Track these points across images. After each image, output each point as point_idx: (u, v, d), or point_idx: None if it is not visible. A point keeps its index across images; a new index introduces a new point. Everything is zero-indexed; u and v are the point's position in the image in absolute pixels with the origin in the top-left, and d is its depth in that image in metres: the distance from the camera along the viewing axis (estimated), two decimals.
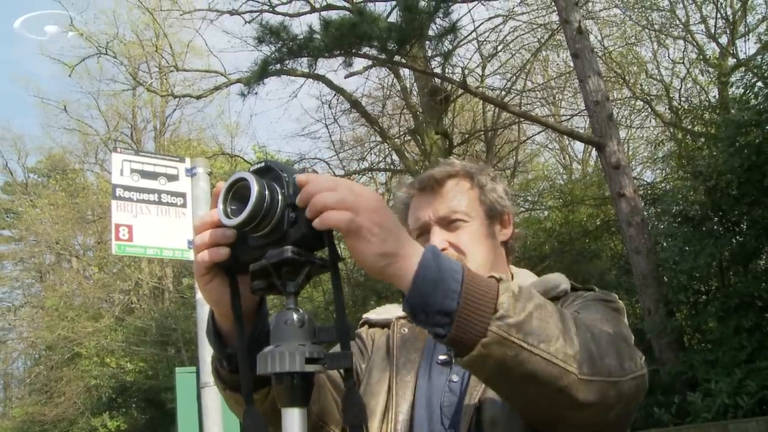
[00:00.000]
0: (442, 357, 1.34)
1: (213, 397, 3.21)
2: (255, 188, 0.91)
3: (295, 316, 0.92)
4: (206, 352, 3.25)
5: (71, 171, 27.20)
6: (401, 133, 14.85)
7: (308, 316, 0.93)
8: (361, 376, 1.42)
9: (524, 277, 1.47)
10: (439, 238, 1.39)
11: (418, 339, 1.40)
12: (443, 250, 1.36)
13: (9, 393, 29.18)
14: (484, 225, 1.43)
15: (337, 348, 1.02)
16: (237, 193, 0.95)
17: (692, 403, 7.32)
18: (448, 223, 1.41)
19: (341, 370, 1.35)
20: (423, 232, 1.43)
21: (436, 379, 1.32)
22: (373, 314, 1.53)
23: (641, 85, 15.02)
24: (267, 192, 0.92)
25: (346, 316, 0.95)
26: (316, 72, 12.61)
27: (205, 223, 0.99)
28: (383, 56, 10.84)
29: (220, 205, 0.95)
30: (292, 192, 0.94)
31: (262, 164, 0.98)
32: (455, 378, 1.29)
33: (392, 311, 1.50)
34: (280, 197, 0.93)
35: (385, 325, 1.49)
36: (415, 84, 14.14)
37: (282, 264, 0.93)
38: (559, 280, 1.38)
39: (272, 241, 0.94)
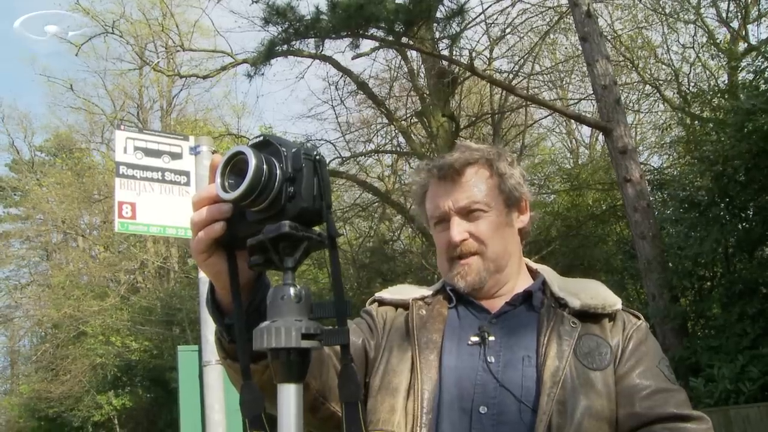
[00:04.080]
0: (474, 338, 1.37)
1: (215, 375, 3.22)
2: (253, 162, 0.90)
3: (292, 291, 0.91)
4: (208, 330, 3.26)
5: (78, 150, 27.25)
6: (408, 115, 14.77)
7: (305, 291, 0.92)
8: (369, 351, 1.43)
9: (550, 275, 1.49)
10: (459, 228, 1.41)
11: (437, 320, 1.42)
12: (463, 240, 1.40)
13: (16, 370, 29.46)
14: (503, 214, 1.45)
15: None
16: (235, 167, 0.94)
17: (695, 389, 7.33)
18: (468, 213, 1.42)
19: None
20: (442, 221, 1.45)
21: (467, 360, 1.34)
22: (387, 294, 1.54)
23: (650, 69, 14.91)
24: (265, 166, 0.91)
25: (344, 292, 0.94)
26: (323, 53, 12.54)
27: (202, 198, 0.99)
28: (390, 38, 10.78)
29: (218, 179, 0.94)
30: (290, 167, 0.93)
31: (261, 138, 0.97)
32: (491, 359, 1.33)
33: (407, 292, 1.52)
34: (278, 171, 0.92)
35: (399, 305, 1.50)
36: (422, 66, 14.05)
37: (279, 239, 0.92)
38: (615, 299, 1.41)
39: (270, 216, 0.93)
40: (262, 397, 0.98)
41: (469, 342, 1.37)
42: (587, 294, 1.39)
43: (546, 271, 1.50)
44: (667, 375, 1.33)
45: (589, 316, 1.37)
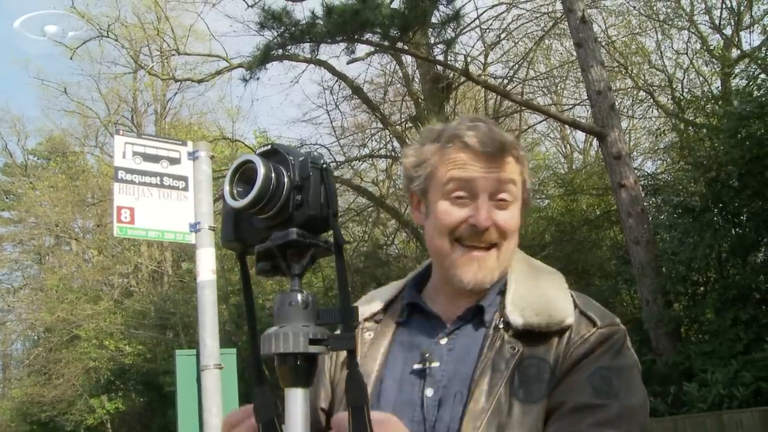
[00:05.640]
0: (416, 366, 1.24)
1: (213, 379, 3.23)
2: (261, 170, 0.91)
3: (299, 297, 0.93)
4: (206, 334, 3.27)
5: (71, 153, 27.19)
6: (402, 120, 14.81)
7: (312, 297, 0.94)
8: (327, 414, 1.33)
9: (514, 278, 1.30)
10: (487, 213, 1.23)
11: (381, 344, 1.30)
12: (485, 229, 1.23)
13: (8, 374, 29.40)
14: (518, 213, 1.29)
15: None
16: (243, 175, 0.95)
17: (688, 394, 7.37)
18: (497, 199, 1.25)
19: (344, 354, 1.31)
20: (463, 195, 1.24)
21: (408, 392, 1.23)
22: None
23: (644, 75, 14.99)
24: (273, 174, 0.93)
25: (350, 298, 0.95)
26: (318, 57, 12.59)
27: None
28: (386, 43, 10.81)
29: (227, 187, 0.96)
30: (298, 175, 0.94)
31: (269, 147, 0.98)
32: (429, 392, 1.21)
33: (364, 310, 1.36)
34: (286, 180, 0.94)
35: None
36: (417, 71, 14.10)
37: (287, 246, 0.93)
38: (565, 313, 1.20)
39: (278, 224, 0.95)
40: (274, 402, 0.98)
41: (413, 368, 1.24)
42: (534, 308, 1.21)
43: (513, 271, 1.30)
44: (598, 387, 1.12)
45: (534, 335, 1.19)
